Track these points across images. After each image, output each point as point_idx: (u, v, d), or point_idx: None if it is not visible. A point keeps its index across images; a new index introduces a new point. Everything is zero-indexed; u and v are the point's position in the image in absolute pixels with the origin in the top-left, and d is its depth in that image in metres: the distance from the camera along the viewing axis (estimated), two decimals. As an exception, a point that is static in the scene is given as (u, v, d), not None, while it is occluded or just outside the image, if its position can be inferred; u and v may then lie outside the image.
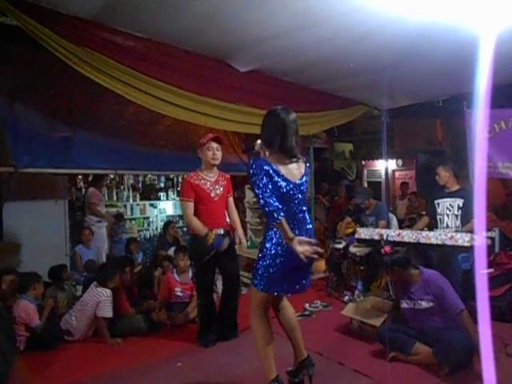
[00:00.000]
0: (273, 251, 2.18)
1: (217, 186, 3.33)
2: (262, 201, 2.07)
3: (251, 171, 2.12)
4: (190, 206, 3.22)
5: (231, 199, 3.52)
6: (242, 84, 4.27)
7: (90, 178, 7.02)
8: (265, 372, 2.29)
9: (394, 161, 8.50)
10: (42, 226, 4.92)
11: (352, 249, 4.50)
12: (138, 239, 6.92)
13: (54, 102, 4.10)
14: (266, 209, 2.06)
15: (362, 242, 4.35)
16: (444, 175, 3.91)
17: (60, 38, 3.05)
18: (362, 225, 4.70)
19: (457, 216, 3.78)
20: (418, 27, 3.20)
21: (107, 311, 3.46)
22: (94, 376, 2.82)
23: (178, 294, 3.95)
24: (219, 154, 3.31)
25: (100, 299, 3.45)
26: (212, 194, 3.28)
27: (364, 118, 6.28)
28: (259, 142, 2.32)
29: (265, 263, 2.20)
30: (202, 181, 3.28)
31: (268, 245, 2.20)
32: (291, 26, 3.23)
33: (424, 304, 2.89)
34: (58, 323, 3.48)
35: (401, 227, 5.38)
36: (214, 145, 3.27)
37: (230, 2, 2.91)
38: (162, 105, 3.73)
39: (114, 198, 7.88)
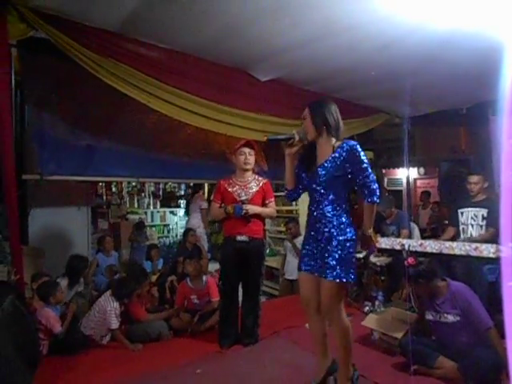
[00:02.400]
0: (354, 238, 2.26)
1: (246, 190, 3.33)
2: (375, 179, 2.21)
3: (363, 151, 2.21)
4: (215, 206, 3.42)
5: (270, 205, 3.42)
6: (262, 93, 4.30)
7: (112, 186, 7.18)
8: (349, 363, 2.36)
9: (416, 169, 8.37)
10: (65, 232, 5.03)
11: (373, 258, 4.44)
12: (157, 245, 6.99)
13: (78, 112, 4.19)
14: (376, 187, 2.19)
15: (382, 251, 4.31)
16: (475, 184, 3.82)
17: (87, 50, 3.14)
18: (383, 234, 4.63)
19: (481, 226, 3.69)
20: (441, 35, 3.17)
21: (113, 323, 3.48)
22: (114, 381, 2.85)
23: (195, 301, 3.96)
24: (252, 159, 3.35)
25: (106, 309, 3.49)
26: (238, 198, 3.29)
27: (384, 126, 6.21)
28: (296, 131, 2.34)
29: (345, 250, 2.22)
30: (232, 184, 3.36)
31: (353, 231, 2.26)
32: (312, 36, 3.25)
33: (450, 318, 2.80)
34: (80, 328, 3.53)
35: (423, 237, 5.28)
36: (247, 150, 3.33)
37: (252, 14, 2.94)
38: (183, 114, 3.79)
39: (136, 205, 8.00)
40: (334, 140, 2.28)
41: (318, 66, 3.91)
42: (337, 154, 2.24)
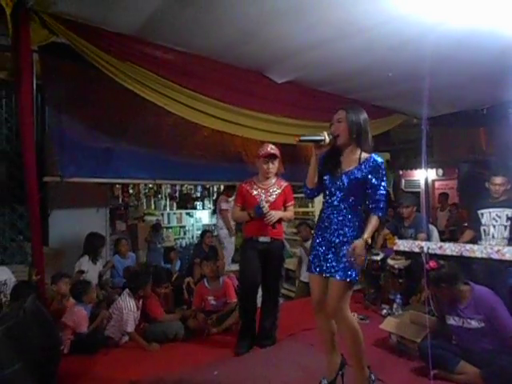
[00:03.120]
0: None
1: (268, 194, 3.33)
2: (385, 195, 2.31)
3: (384, 168, 2.31)
4: (237, 209, 3.46)
5: (290, 208, 3.44)
6: (278, 95, 4.30)
7: (129, 188, 7.27)
8: (364, 365, 2.35)
9: (434, 170, 8.24)
10: (85, 233, 5.09)
11: (390, 261, 4.39)
12: (175, 247, 7.05)
13: (96, 115, 4.26)
14: (384, 203, 2.30)
15: (400, 254, 4.25)
16: (500, 185, 3.74)
17: (105, 54, 3.22)
18: (401, 237, 4.57)
19: (505, 226, 3.61)
20: (459, 33, 3.13)
21: (129, 326, 3.51)
22: (132, 381, 2.87)
23: (212, 302, 3.98)
24: (274, 168, 3.35)
25: (123, 311, 3.52)
26: (259, 200, 3.28)
27: (401, 127, 6.14)
28: (327, 133, 2.34)
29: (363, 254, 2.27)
30: (254, 187, 3.36)
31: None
32: (328, 38, 3.24)
33: (474, 323, 2.73)
34: (104, 330, 3.58)
35: (441, 239, 5.19)
36: (270, 159, 3.31)
37: (268, 17, 2.96)
38: (200, 116, 3.82)
39: (152, 206, 8.08)
40: (359, 150, 2.34)
41: (334, 68, 3.89)
42: (363, 166, 2.32)
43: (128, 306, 3.55)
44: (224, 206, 5.90)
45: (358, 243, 2.22)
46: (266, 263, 3.34)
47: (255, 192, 3.34)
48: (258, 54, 3.64)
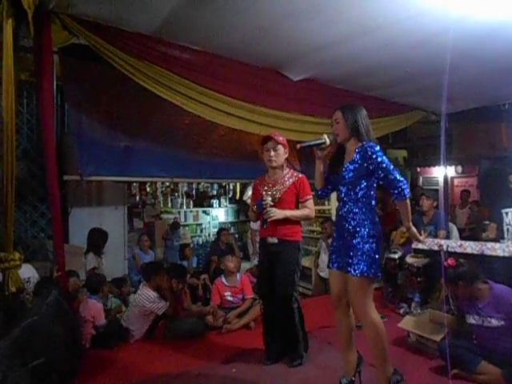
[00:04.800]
0: (377, 235, 2.30)
1: (275, 189, 2.99)
2: (397, 175, 2.22)
3: (380, 151, 2.26)
4: (251, 208, 3.19)
5: (306, 204, 3.01)
6: (295, 92, 4.29)
7: (146, 186, 7.35)
8: (386, 364, 2.30)
9: (453, 167, 8.09)
10: (103, 231, 5.21)
11: (408, 259, 4.34)
12: (191, 245, 7.11)
13: (115, 114, 4.32)
14: (402, 183, 2.21)
15: (419, 252, 4.20)
16: None
17: (123, 54, 3.25)
18: (420, 235, 4.50)
19: (530, 226, 3.54)
20: (482, 27, 3.08)
21: (161, 308, 3.62)
22: (150, 377, 2.92)
23: (229, 298, 4.01)
24: (278, 155, 2.99)
25: (145, 305, 3.59)
26: (262, 197, 2.96)
27: (419, 124, 6.05)
28: (327, 135, 2.42)
29: (373, 245, 2.28)
30: (263, 184, 3.10)
31: (377, 228, 2.31)
32: (347, 34, 3.21)
33: (494, 322, 2.68)
34: (120, 322, 3.65)
35: (461, 237, 5.10)
36: (270, 145, 2.98)
37: (285, 15, 2.95)
38: (217, 114, 3.83)
39: (169, 204, 8.16)
40: (360, 144, 2.36)
41: (352, 64, 3.85)
42: (357, 156, 2.33)
43: (146, 296, 3.61)
44: (254, 225, 5.61)
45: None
46: (274, 267, 3.01)
47: (263, 188, 3.06)
48: (275, 51, 3.63)
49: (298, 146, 2.49)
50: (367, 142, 2.30)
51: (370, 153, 2.25)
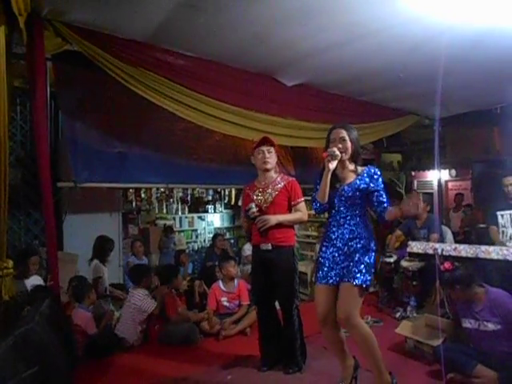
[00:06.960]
0: (375, 247, 2.46)
1: (265, 193, 2.95)
2: (386, 198, 2.44)
3: (380, 175, 2.49)
4: (242, 215, 3.23)
5: (298, 207, 2.97)
6: (289, 98, 4.30)
7: (141, 192, 7.32)
8: (382, 371, 2.33)
9: (447, 171, 8.14)
10: (98, 238, 5.17)
11: (404, 263, 4.35)
12: (187, 251, 7.08)
13: (109, 120, 4.30)
14: (387, 204, 2.43)
15: (414, 256, 4.21)
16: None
17: (117, 60, 3.25)
18: (414, 238, 4.53)
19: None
20: (472, 34, 3.12)
21: (150, 306, 3.64)
22: (147, 384, 2.90)
23: (225, 303, 3.99)
24: (272, 157, 2.99)
25: (137, 304, 3.61)
26: (256, 203, 2.93)
27: (413, 128, 6.09)
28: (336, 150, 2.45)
29: (371, 258, 2.41)
30: (253, 189, 3.04)
31: (374, 242, 2.48)
32: (339, 40, 3.24)
33: (491, 326, 2.68)
34: (113, 330, 3.62)
35: (455, 241, 5.12)
36: (265, 148, 2.97)
37: (277, 21, 2.97)
38: (211, 121, 3.84)
39: (164, 210, 8.12)
40: (354, 164, 2.53)
41: (346, 70, 3.88)
42: (363, 176, 2.48)
43: (137, 296, 3.64)
44: (248, 252, 5.42)
45: None
46: (271, 273, 2.94)
47: (254, 193, 3.01)
48: (268, 57, 3.64)
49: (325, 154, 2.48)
50: (370, 167, 2.53)
51: (376, 176, 2.47)
